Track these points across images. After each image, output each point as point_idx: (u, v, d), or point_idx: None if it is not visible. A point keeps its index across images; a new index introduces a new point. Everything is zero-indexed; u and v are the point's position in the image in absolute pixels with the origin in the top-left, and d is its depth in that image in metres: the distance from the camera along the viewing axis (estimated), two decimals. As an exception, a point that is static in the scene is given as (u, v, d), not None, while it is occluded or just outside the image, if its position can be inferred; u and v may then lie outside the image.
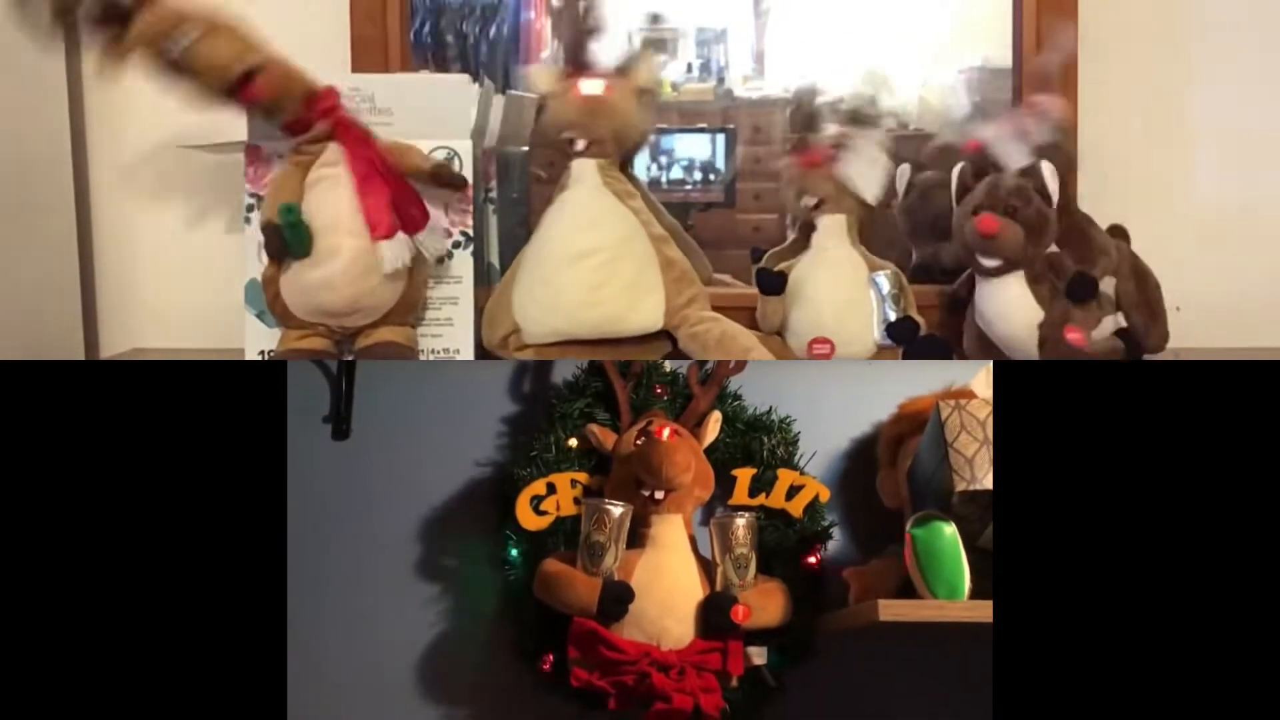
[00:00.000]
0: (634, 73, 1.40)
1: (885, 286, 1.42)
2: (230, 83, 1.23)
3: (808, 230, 1.48)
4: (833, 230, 1.45)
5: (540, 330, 1.37)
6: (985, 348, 1.42)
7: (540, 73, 1.42)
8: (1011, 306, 1.37)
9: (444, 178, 1.35)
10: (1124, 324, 1.39)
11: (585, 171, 1.38)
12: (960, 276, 1.47)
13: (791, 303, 1.43)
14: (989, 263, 1.36)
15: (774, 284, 1.42)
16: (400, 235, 1.28)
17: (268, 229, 1.29)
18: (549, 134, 1.40)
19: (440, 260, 1.36)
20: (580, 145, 1.37)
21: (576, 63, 1.40)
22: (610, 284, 1.34)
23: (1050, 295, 1.35)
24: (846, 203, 1.44)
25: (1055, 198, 1.35)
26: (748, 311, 1.45)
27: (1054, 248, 1.37)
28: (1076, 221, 1.42)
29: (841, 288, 1.43)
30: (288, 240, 1.27)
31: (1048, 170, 1.34)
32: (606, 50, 1.42)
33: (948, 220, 1.43)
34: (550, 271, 1.36)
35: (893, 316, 1.41)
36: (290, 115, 1.28)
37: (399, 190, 1.30)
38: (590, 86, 1.37)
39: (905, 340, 1.39)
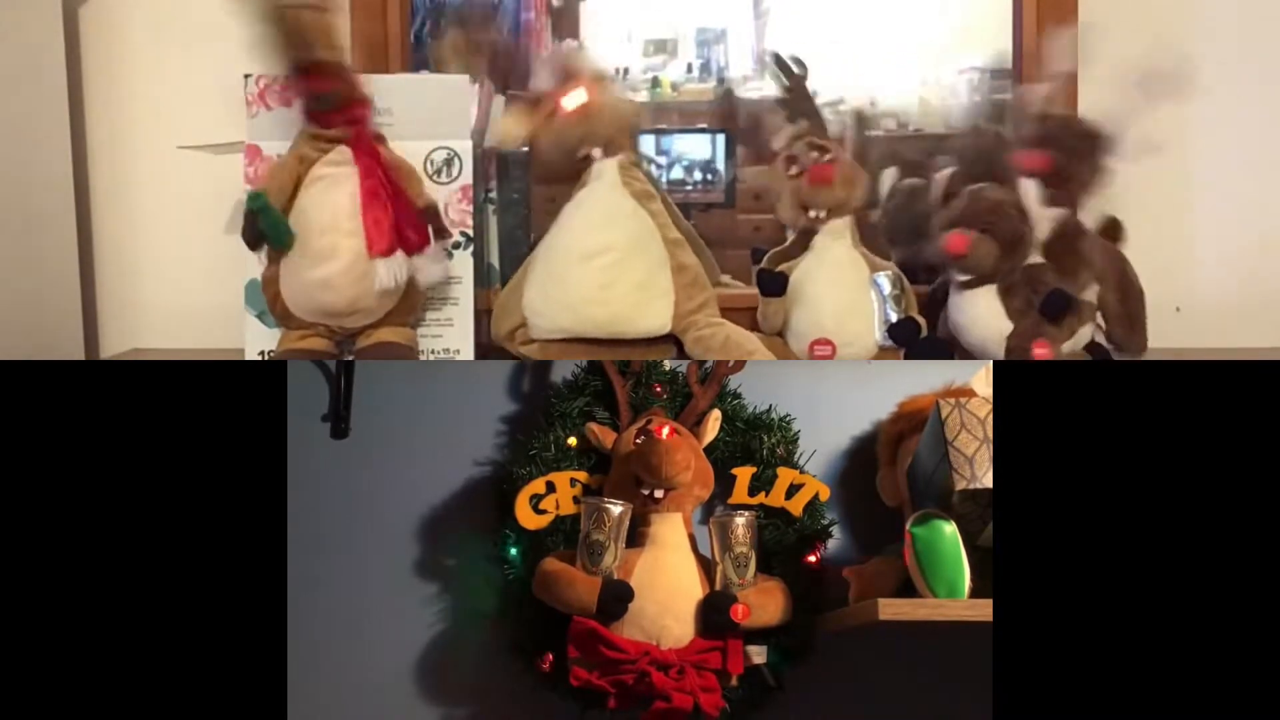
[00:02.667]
0: (581, 70, 1.40)
1: (886, 287, 1.42)
2: (301, 61, 1.25)
3: (808, 233, 1.48)
4: (834, 231, 1.45)
5: (547, 325, 1.37)
6: (957, 349, 1.42)
7: (512, 118, 1.39)
8: (982, 317, 1.37)
9: (431, 219, 1.34)
10: (1100, 333, 1.39)
11: (606, 170, 1.38)
12: (939, 277, 1.47)
13: (792, 304, 1.43)
14: (960, 276, 1.37)
15: (775, 285, 1.41)
16: (398, 254, 1.29)
17: (247, 216, 1.28)
18: (565, 163, 1.38)
19: (430, 286, 1.35)
20: (597, 154, 1.38)
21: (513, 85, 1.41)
22: (619, 284, 1.35)
23: (1023, 308, 1.35)
24: (850, 205, 1.44)
25: (1033, 216, 1.35)
26: (749, 312, 1.44)
27: (1038, 258, 1.37)
28: (1066, 232, 1.40)
29: (842, 289, 1.43)
30: (263, 228, 1.27)
31: (1027, 188, 1.34)
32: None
33: (929, 221, 1.43)
34: (561, 268, 1.36)
35: (894, 317, 1.41)
36: (322, 109, 1.29)
37: (401, 210, 1.30)
38: (574, 98, 1.35)
39: (907, 341, 1.39)
